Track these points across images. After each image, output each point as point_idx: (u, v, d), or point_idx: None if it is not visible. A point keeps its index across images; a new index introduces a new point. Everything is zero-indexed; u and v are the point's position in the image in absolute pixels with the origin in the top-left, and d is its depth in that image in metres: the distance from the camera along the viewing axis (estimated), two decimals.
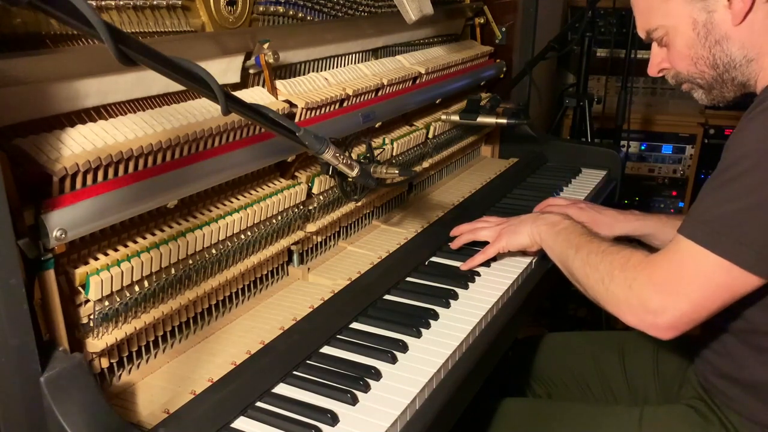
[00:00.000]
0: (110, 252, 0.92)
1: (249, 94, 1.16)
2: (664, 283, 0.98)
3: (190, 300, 1.04)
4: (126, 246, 0.94)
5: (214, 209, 1.09)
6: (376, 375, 0.98)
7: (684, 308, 0.96)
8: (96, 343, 0.89)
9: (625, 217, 1.48)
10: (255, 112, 0.87)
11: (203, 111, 1.03)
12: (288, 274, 1.30)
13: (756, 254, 0.91)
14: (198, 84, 0.74)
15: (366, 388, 0.95)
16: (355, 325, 1.13)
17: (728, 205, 0.93)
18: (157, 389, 0.96)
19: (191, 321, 1.08)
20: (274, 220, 1.18)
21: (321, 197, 1.29)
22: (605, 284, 1.06)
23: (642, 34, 1.13)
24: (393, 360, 1.02)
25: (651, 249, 1.40)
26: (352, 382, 0.96)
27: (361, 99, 1.41)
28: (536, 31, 2.16)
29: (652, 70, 1.16)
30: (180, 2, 1.11)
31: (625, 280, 1.02)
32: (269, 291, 1.24)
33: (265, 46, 1.17)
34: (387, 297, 1.23)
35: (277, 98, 1.21)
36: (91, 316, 0.88)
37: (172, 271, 0.99)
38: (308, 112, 1.25)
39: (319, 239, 1.36)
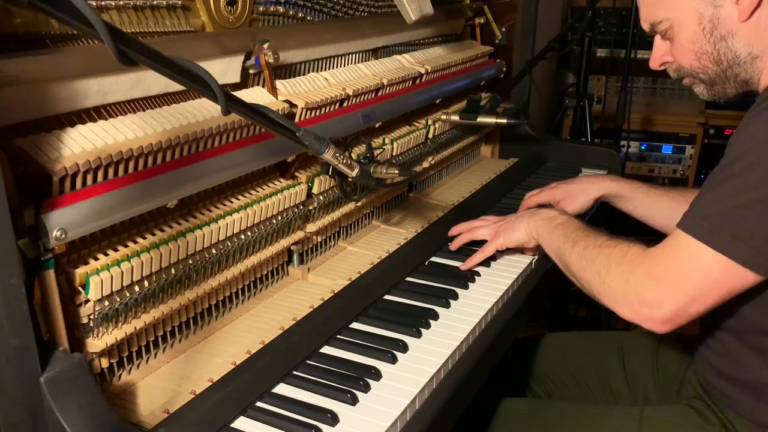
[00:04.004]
0: (110, 252, 0.92)
1: (249, 94, 1.16)
2: (661, 276, 0.98)
3: (190, 300, 1.04)
4: (126, 246, 0.94)
5: (214, 209, 1.09)
6: (376, 375, 0.98)
7: (680, 302, 0.96)
8: (96, 343, 0.90)
9: (598, 178, 1.53)
10: (255, 112, 0.87)
11: (203, 111, 1.03)
12: (288, 274, 1.30)
13: (754, 251, 0.91)
14: (198, 84, 0.74)
15: (366, 388, 0.95)
16: (355, 325, 1.13)
17: (728, 200, 0.94)
18: (157, 389, 0.96)
19: (191, 321, 1.08)
20: (274, 220, 1.18)
21: (321, 197, 1.29)
22: (602, 277, 1.06)
23: (645, 26, 1.13)
24: (393, 360, 1.02)
25: (631, 224, 1.44)
26: (352, 382, 0.96)
27: (361, 99, 1.41)
28: (536, 31, 2.15)
29: (654, 63, 1.16)
30: (180, 2, 1.11)
31: (622, 274, 1.02)
32: (269, 291, 1.24)
33: (265, 46, 1.17)
34: (387, 297, 1.23)
35: (277, 98, 1.21)
36: (91, 316, 0.88)
37: (172, 271, 0.99)
38: (308, 112, 1.25)
39: (319, 239, 1.36)
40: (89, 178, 0.86)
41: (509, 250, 1.37)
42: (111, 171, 0.88)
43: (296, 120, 1.23)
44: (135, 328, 0.94)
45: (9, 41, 0.86)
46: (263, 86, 1.21)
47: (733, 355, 1.10)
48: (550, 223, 1.26)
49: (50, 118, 0.87)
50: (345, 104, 1.37)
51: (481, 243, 1.36)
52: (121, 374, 0.97)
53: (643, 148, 3.13)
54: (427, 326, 1.12)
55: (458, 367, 1.05)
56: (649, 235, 1.27)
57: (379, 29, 1.58)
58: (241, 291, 1.18)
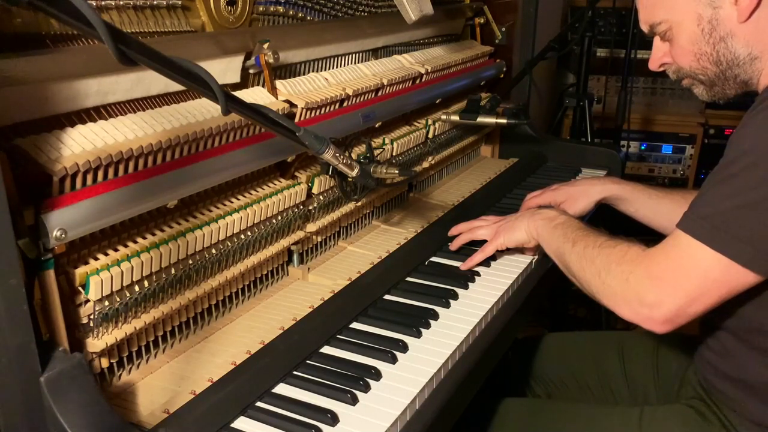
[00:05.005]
0: (110, 252, 0.92)
1: (249, 94, 1.16)
2: (661, 277, 0.98)
3: (190, 300, 1.04)
4: (126, 246, 0.94)
5: (214, 209, 1.09)
6: (376, 375, 0.98)
7: (680, 302, 0.97)
8: (96, 343, 0.90)
9: (600, 180, 1.54)
10: (255, 112, 0.87)
11: (203, 111, 1.03)
12: (288, 274, 1.30)
13: (754, 251, 0.91)
14: (198, 84, 0.74)
15: (366, 388, 0.95)
16: (355, 325, 1.13)
17: (728, 201, 0.94)
18: (157, 389, 0.96)
19: (191, 321, 1.08)
20: (274, 220, 1.18)
21: (321, 197, 1.29)
22: (602, 277, 1.06)
23: (645, 27, 1.13)
24: (393, 360, 1.02)
25: (631, 224, 1.45)
26: (352, 382, 0.96)
27: (361, 99, 1.41)
28: (536, 31, 2.15)
29: (654, 65, 1.16)
30: (180, 2, 1.11)
31: (622, 274, 1.03)
32: (269, 291, 1.24)
33: (265, 46, 1.17)
34: (387, 297, 1.23)
35: (277, 98, 1.21)
36: (91, 316, 0.88)
37: (172, 271, 0.99)
38: (308, 112, 1.25)
39: (319, 239, 1.36)
40: (89, 178, 0.86)
41: (509, 250, 1.37)
42: (111, 171, 0.88)
43: (296, 120, 1.23)
44: (135, 328, 0.94)
45: (9, 41, 0.86)
46: (263, 86, 1.21)
47: (733, 355, 1.10)
48: (550, 223, 1.26)
49: (50, 118, 0.87)
50: (345, 104, 1.37)
51: (481, 243, 1.36)
52: (121, 374, 0.97)
53: (643, 148, 3.13)
54: (427, 326, 1.12)
55: (458, 367, 1.05)
56: (649, 236, 1.27)
57: (379, 29, 1.58)
58: (241, 291, 1.18)
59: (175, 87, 1.03)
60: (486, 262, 1.34)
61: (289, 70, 1.32)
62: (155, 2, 1.06)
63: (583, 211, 1.48)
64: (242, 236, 1.12)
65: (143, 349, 1.00)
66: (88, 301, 0.88)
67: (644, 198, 1.44)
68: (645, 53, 2.56)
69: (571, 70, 3.15)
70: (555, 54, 2.28)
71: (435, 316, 1.15)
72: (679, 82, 1.16)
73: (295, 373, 0.99)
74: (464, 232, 1.40)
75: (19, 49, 0.86)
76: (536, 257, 1.37)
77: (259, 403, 0.93)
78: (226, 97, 0.76)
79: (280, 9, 1.32)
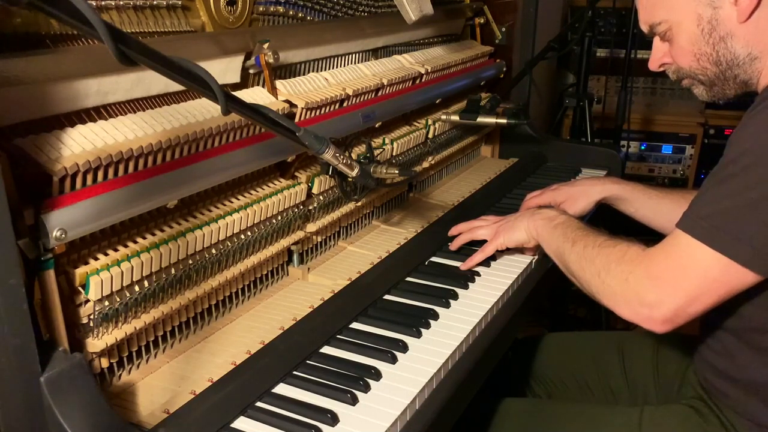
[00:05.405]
0: (110, 252, 0.92)
1: (249, 94, 1.16)
2: (661, 276, 0.98)
3: (190, 300, 1.04)
4: (126, 246, 0.94)
5: (214, 209, 1.09)
6: (376, 375, 0.98)
7: (680, 302, 0.97)
8: (96, 343, 0.90)
9: (600, 180, 1.54)
10: (255, 112, 0.87)
11: (203, 111, 1.03)
12: (288, 274, 1.30)
13: (753, 250, 0.91)
14: (198, 84, 0.74)
15: (366, 388, 0.95)
16: (355, 325, 1.13)
17: (727, 200, 0.94)
18: (157, 389, 0.96)
19: (191, 321, 1.08)
20: (274, 220, 1.18)
21: (321, 197, 1.29)
22: (601, 277, 1.06)
23: (644, 27, 1.13)
24: (393, 360, 1.02)
25: (631, 224, 1.46)
26: (352, 382, 0.96)
27: (361, 99, 1.41)
28: (536, 31, 2.16)
29: (653, 65, 1.16)
30: (180, 2, 1.11)
31: (622, 273, 1.03)
32: (269, 291, 1.24)
33: (265, 46, 1.17)
34: (387, 297, 1.23)
35: (277, 98, 1.21)
36: (91, 316, 0.88)
37: (172, 271, 0.99)
38: (308, 112, 1.25)
39: (319, 239, 1.36)
40: (89, 178, 0.86)
41: (509, 250, 1.37)
42: (111, 171, 0.88)
43: (296, 120, 1.23)
44: (135, 328, 0.94)
45: (9, 41, 0.86)
46: (263, 86, 1.21)
47: (733, 355, 1.10)
48: (550, 222, 1.26)
49: (50, 118, 0.87)
50: (345, 104, 1.37)
51: (481, 243, 1.36)
52: (121, 374, 0.97)
53: (643, 148, 3.13)
54: (427, 326, 1.12)
55: (458, 367, 1.05)
56: (649, 236, 1.27)
57: (379, 29, 1.58)
58: (241, 291, 1.18)
59: (175, 87, 1.03)
60: (486, 262, 1.34)
61: (289, 70, 1.32)
62: (155, 2, 1.06)
63: (583, 211, 1.48)
64: (242, 236, 1.12)
65: (143, 349, 1.00)
66: (88, 301, 0.88)
67: (644, 198, 1.44)
68: (645, 53, 2.55)
69: (571, 70, 3.15)
70: (555, 54, 2.28)
71: (435, 316, 1.15)
72: (679, 82, 1.15)
73: (295, 373, 0.99)
74: (464, 232, 1.40)
75: (19, 49, 0.86)
76: (536, 257, 1.37)
77: (259, 403, 0.93)
78: (226, 97, 0.76)
79: (280, 9, 1.32)
